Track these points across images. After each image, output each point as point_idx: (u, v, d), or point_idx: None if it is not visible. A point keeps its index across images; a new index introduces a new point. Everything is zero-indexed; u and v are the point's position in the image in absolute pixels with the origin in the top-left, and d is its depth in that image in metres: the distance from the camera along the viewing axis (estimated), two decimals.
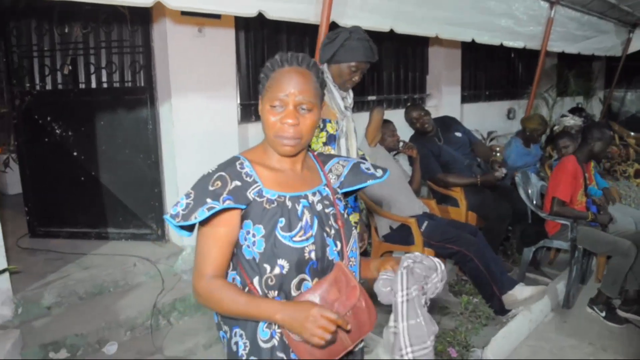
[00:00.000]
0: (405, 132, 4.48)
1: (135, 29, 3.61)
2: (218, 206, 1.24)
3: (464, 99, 6.43)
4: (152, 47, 3.55)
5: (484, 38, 4.60)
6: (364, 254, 2.58)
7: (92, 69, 3.71)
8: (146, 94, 3.61)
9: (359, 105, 5.13)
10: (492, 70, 7.01)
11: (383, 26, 3.46)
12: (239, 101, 4.05)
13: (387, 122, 3.93)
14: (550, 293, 3.68)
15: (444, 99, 5.95)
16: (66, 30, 3.67)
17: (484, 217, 4.15)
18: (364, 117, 3.97)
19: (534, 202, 4.12)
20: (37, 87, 3.77)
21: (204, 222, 1.28)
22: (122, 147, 3.73)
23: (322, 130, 2.39)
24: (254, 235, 1.29)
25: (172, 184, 3.68)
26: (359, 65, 2.40)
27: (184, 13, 3.46)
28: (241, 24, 3.91)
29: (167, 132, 3.62)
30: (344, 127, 2.44)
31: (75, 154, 3.77)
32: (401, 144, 3.94)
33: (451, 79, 6.01)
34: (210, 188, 1.27)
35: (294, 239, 1.29)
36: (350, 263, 1.40)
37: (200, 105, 3.59)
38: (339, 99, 2.44)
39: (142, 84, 3.65)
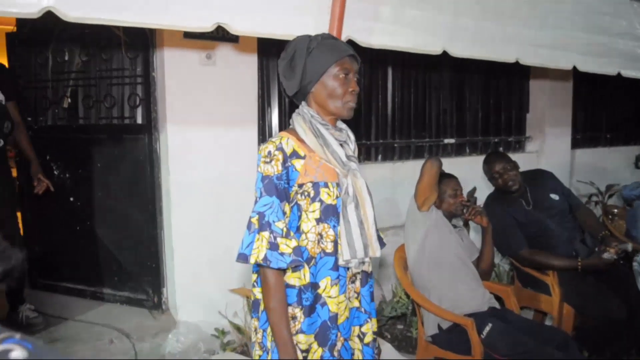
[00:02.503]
0: (482, 186, 3.44)
1: (134, 56, 3.03)
2: None
3: (576, 143, 5.16)
4: (152, 78, 2.93)
5: (591, 66, 3.42)
6: None
7: (90, 102, 3.18)
8: (144, 133, 3.00)
9: (425, 150, 4.15)
10: (616, 107, 5.64)
11: (431, 47, 2.52)
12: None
13: (447, 178, 2.95)
14: None
15: (549, 143, 4.76)
16: (66, 58, 3.19)
17: (584, 314, 2.98)
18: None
19: None
20: (38, 122, 3.33)
21: None
22: (118, 194, 3.16)
23: (313, 200, 1.55)
24: None
25: (169, 242, 3.01)
26: (344, 65, 1.57)
27: (187, 35, 2.82)
28: (266, 47, 3.17)
29: (166, 179, 2.96)
30: (351, 189, 1.58)
31: (71, 199, 3.26)
32: (466, 207, 2.91)
33: (559, 118, 4.82)
34: None
35: None
36: None
37: (205, 147, 2.91)
38: (336, 145, 1.58)
39: (141, 121, 3.04)
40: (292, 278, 1.54)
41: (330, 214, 1.56)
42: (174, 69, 2.83)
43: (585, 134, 5.36)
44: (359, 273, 1.65)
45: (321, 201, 1.55)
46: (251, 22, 1.98)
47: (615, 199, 5.01)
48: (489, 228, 2.91)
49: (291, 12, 2.08)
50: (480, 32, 2.75)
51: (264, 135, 3.30)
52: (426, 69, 4.06)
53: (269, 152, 1.52)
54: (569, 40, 3.25)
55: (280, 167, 1.51)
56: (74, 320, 3.08)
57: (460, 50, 2.69)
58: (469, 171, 4.15)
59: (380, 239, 1.81)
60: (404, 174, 3.80)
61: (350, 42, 2.20)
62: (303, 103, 1.64)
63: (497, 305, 2.71)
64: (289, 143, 1.54)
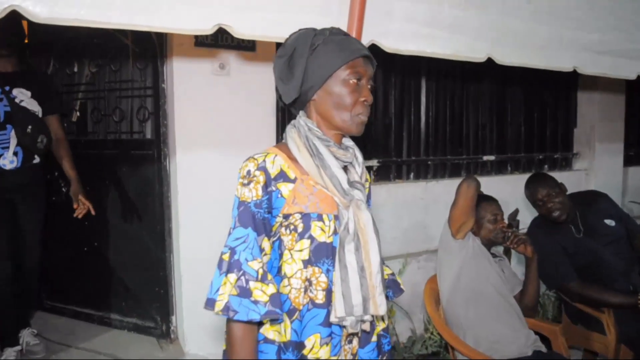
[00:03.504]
0: (525, 208, 3.09)
1: (144, 67, 2.82)
2: None
3: (630, 161, 4.72)
4: (162, 90, 2.71)
5: None
6: None
7: (99, 115, 2.99)
8: (153, 149, 2.78)
9: (462, 167, 3.81)
10: None
11: (474, 53, 2.21)
12: None
13: (485, 201, 2.62)
14: None
15: (599, 160, 4.34)
16: (75, 70, 3.01)
17: None
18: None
19: None
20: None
21: None
22: (126, 213, 2.95)
23: (301, 235, 1.24)
24: None
25: (178, 266, 2.77)
26: (357, 68, 1.27)
27: (198, 44, 2.60)
28: None
29: (175, 199, 2.73)
30: (352, 224, 1.25)
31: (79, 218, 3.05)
32: (508, 234, 2.57)
33: (610, 133, 4.40)
34: None
35: None
36: None
37: (217, 165, 2.66)
38: (336, 167, 1.27)
39: (150, 136, 2.83)
40: (270, 331, 1.24)
41: (323, 255, 1.25)
42: (184, 79, 2.61)
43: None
44: (357, 332, 1.31)
45: (312, 238, 1.24)
46: (258, 24, 1.71)
47: None
48: (534, 258, 2.55)
49: (306, 12, 1.81)
50: (531, 35, 2.42)
51: None
52: (464, 79, 3.74)
53: (248, 172, 1.22)
54: (632, 45, 2.88)
55: (260, 192, 1.21)
56: (77, 347, 2.87)
57: (507, 57, 2.36)
58: (511, 191, 3.79)
59: (396, 286, 1.49)
60: (438, 194, 3.48)
61: (374, 49, 1.94)
62: (301, 113, 1.33)
63: (543, 348, 2.35)
64: (275, 161, 1.24)
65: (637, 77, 2.92)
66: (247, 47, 2.73)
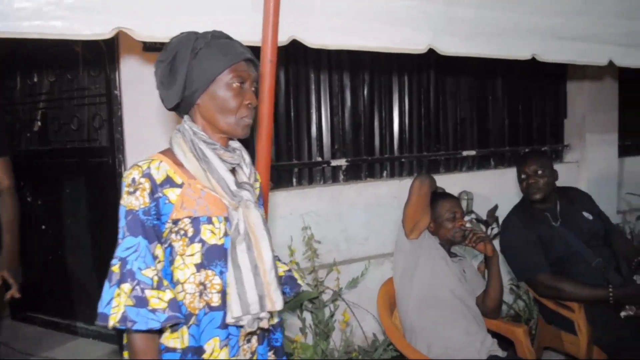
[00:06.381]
0: (508, 204, 2.94)
1: (97, 74, 2.80)
2: None
3: (625, 151, 4.53)
4: (114, 96, 2.67)
5: (633, 59, 2.87)
6: None
7: (58, 124, 2.99)
8: (109, 156, 2.75)
9: (440, 164, 3.69)
10: None
11: (412, 44, 2.10)
12: None
13: (443, 198, 2.51)
14: None
15: (591, 151, 4.17)
16: (35, 80, 3.01)
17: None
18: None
19: None
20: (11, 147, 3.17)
21: None
22: (87, 221, 2.94)
23: (191, 240, 1.25)
24: None
25: None
26: (239, 72, 1.28)
27: (147, 49, 2.56)
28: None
29: None
30: (242, 225, 1.28)
31: (43, 227, 3.06)
32: (467, 232, 2.45)
33: (602, 124, 4.22)
34: None
35: None
36: None
37: None
38: (224, 170, 1.29)
39: (105, 143, 2.80)
40: (171, 339, 1.23)
41: (215, 257, 1.26)
42: (133, 85, 2.57)
43: (637, 139, 4.70)
44: (255, 331, 1.31)
45: (203, 241, 1.25)
46: (162, 26, 1.65)
47: None
48: (495, 258, 2.44)
49: (219, 11, 1.75)
50: (482, 23, 2.31)
51: None
52: (439, 72, 3.61)
53: (133, 180, 1.22)
54: (603, 29, 2.73)
55: (147, 199, 1.21)
56: (39, 357, 2.88)
57: (453, 47, 2.26)
58: (495, 186, 3.68)
59: (293, 282, 1.49)
60: None
61: (299, 45, 1.86)
62: (186, 117, 1.32)
63: (499, 352, 2.23)
64: (160, 167, 1.24)
65: (609, 63, 2.79)
66: None
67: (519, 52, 2.48)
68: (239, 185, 1.30)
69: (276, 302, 1.27)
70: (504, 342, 2.51)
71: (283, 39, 1.81)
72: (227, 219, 1.28)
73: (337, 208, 3.12)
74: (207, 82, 1.26)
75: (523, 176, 2.68)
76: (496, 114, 3.91)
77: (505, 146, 3.96)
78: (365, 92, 3.35)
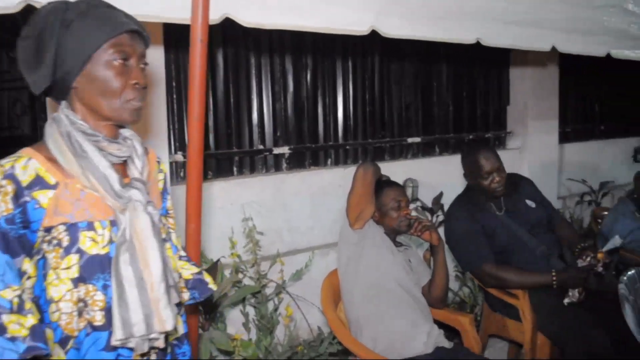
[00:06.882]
0: (453, 192, 2.91)
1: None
2: None
3: (565, 137, 4.63)
4: None
5: (575, 46, 2.88)
6: None
7: None
8: (31, 144, 2.52)
9: (385, 151, 3.63)
10: (611, 94, 5.08)
11: (354, 25, 2.00)
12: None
13: (388, 187, 2.44)
14: None
15: (532, 138, 4.21)
16: None
17: (562, 347, 2.45)
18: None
19: None
20: None
21: None
22: None
23: (67, 251, 1.06)
24: None
25: None
26: (122, 46, 1.10)
27: None
28: (176, 36, 2.67)
29: None
30: (128, 231, 1.10)
31: None
32: (412, 221, 2.39)
33: (544, 110, 4.26)
34: None
35: None
36: None
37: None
38: (106, 166, 1.10)
39: (27, 132, 2.58)
40: None
41: (97, 269, 1.08)
42: None
43: (576, 126, 4.82)
44: (154, 348, 1.14)
45: (81, 252, 1.07)
46: None
47: (609, 198, 4.47)
48: (441, 246, 2.39)
49: None
50: (426, 5, 2.23)
51: (175, 145, 2.81)
52: (384, 57, 3.54)
53: None
54: (546, 15, 2.72)
55: (10, 205, 1.03)
56: None
57: (396, 29, 2.17)
58: (440, 174, 3.65)
59: (203, 285, 1.34)
60: None
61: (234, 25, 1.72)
62: (63, 104, 1.13)
63: (446, 343, 2.19)
64: (29, 166, 1.06)
65: (551, 49, 2.79)
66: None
67: (464, 35, 2.42)
68: (124, 183, 1.12)
69: (166, 321, 1.10)
70: (450, 331, 2.49)
71: (215, 17, 1.67)
72: (113, 223, 1.11)
73: (280, 198, 3.01)
74: (82, 60, 1.07)
75: (486, 175, 2.60)
76: (441, 100, 3.88)
77: (450, 133, 3.94)
78: (309, 77, 3.23)
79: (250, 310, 2.67)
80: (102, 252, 1.09)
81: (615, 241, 2.43)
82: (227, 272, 2.59)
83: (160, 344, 1.12)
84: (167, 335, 1.16)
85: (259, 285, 2.60)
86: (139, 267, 1.08)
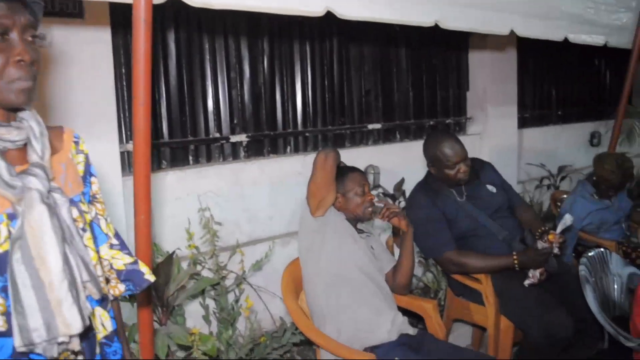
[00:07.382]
0: (414, 178, 2.88)
1: None
2: None
3: (524, 122, 4.68)
4: None
5: (533, 30, 2.90)
6: None
7: None
8: None
9: (346, 138, 3.59)
10: (568, 81, 5.16)
11: (308, 6, 1.93)
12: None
13: (350, 172, 2.39)
14: None
15: (492, 124, 4.24)
16: None
17: (525, 329, 2.47)
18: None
19: (615, 308, 2.37)
20: None
21: None
22: None
23: None
24: None
25: None
26: (7, 18, 0.95)
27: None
28: (123, 20, 2.54)
29: None
30: (26, 226, 0.95)
31: None
32: (377, 205, 2.35)
33: (503, 96, 4.30)
34: None
35: None
36: None
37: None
38: None
39: None
40: None
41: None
42: None
43: (534, 111, 4.88)
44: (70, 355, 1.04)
45: None
46: None
47: (568, 182, 4.55)
48: (410, 232, 2.34)
49: None
50: None
51: (127, 134, 2.68)
52: (343, 42, 3.47)
53: None
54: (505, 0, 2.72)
55: None
56: None
57: (353, 10, 2.11)
58: (401, 160, 3.63)
59: (139, 276, 1.23)
60: None
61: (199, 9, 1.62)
62: None
63: (410, 330, 2.16)
64: None
65: (510, 32, 2.78)
66: (72, 14, 2.34)
67: (422, 18, 2.39)
68: (15, 172, 0.97)
69: (72, 324, 0.96)
70: (414, 317, 2.47)
71: None
72: (12, 217, 0.97)
73: (239, 187, 2.93)
74: None
75: (452, 165, 2.56)
76: (401, 86, 3.85)
77: (411, 119, 3.92)
78: (265, 62, 3.14)
79: (211, 303, 2.59)
80: (0, 250, 0.95)
81: (566, 220, 2.43)
82: (184, 264, 2.50)
83: (74, 346, 1.00)
84: (92, 335, 1.06)
85: (218, 277, 2.52)
86: (34, 265, 0.93)
